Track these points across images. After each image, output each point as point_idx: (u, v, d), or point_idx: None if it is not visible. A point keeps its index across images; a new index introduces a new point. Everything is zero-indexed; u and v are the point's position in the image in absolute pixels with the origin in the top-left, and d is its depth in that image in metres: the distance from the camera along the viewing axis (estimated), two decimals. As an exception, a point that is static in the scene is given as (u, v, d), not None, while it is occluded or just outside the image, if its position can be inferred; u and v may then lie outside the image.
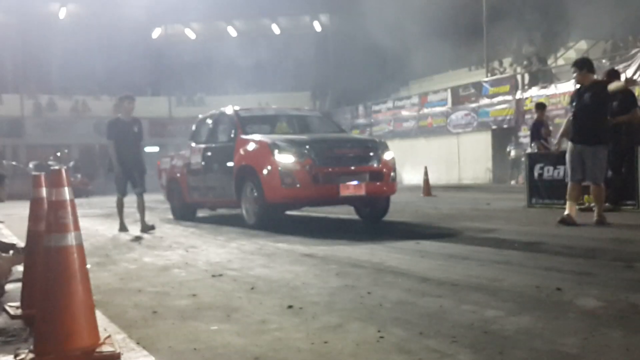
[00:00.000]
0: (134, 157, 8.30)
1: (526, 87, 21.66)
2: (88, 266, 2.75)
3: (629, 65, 17.46)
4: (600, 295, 3.40)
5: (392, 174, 8.10)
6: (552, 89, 20.24)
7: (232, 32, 37.71)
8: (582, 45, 22.76)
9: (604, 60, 18.25)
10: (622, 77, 13.38)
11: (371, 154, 8.02)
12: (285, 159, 7.57)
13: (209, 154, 9.30)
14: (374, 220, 8.57)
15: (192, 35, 37.98)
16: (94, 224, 10.24)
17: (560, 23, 24.17)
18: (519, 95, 21.61)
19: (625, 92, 8.54)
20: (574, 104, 7.26)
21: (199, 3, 30.26)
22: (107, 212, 13.64)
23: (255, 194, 7.87)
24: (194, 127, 10.45)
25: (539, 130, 11.12)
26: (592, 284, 3.75)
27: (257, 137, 8.33)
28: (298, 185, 7.50)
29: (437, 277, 4.12)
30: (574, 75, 7.37)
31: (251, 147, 8.21)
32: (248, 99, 29.71)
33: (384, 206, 8.48)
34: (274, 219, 7.84)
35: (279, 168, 7.52)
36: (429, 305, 3.33)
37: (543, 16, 24.42)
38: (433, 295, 3.59)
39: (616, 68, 11.43)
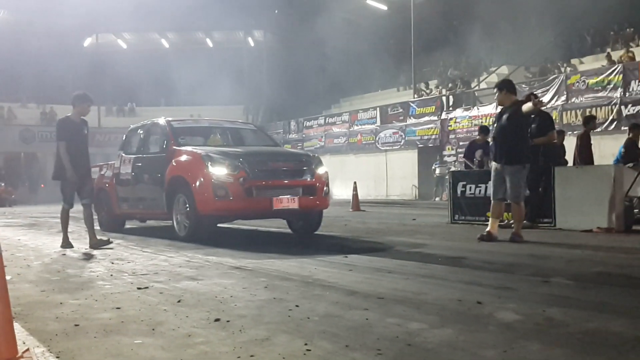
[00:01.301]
0: (85, 161, 7.50)
1: (450, 108, 22.61)
2: (8, 277, 2.66)
3: (547, 91, 18.48)
4: (519, 309, 3.51)
5: (325, 188, 8.17)
6: (474, 111, 21.26)
7: (165, 43, 37.21)
8: (504, 70, 23.99)
9: (523, 85, 19.21)
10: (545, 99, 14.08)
11: (305, 168, 8.07)
12: (219, 171, 7.51)
13: (140, 164, 9.10)
14: (306, 234, 8.60)
15: (124, 45, 37.21)
16: (17, 234, 9.83)
17: (484, 49, 25.39)
18: (444, 115, 22.58)
19: (543, 115, 9.00)
20: (495, 125, 7.56)
21: (132, 13, 29.68)
22: (31, 222, 13.08)
23: (187, 206, 7.75)
24: (124, 137, 10.21)
25: (474, 151, 11.44)
26: (511, 298, 3.88)
27: (189, 148, 8.23)
28: (231, 198, 7.45)
29: (364, 290, 4.17)
30: (496, 96, 7.63)
31: (184, 158, 8.09)
32: (180, 111, 29.38)
33: (317, 220, 8.55)
34: (205, 232, 7.73)
35: (212, 180, 7.45)
36: (355, 318, 3.38)
37: (468, 42, 25.57)
38: (359, 308, 3.63)
39: (535, 92, 12.02)
